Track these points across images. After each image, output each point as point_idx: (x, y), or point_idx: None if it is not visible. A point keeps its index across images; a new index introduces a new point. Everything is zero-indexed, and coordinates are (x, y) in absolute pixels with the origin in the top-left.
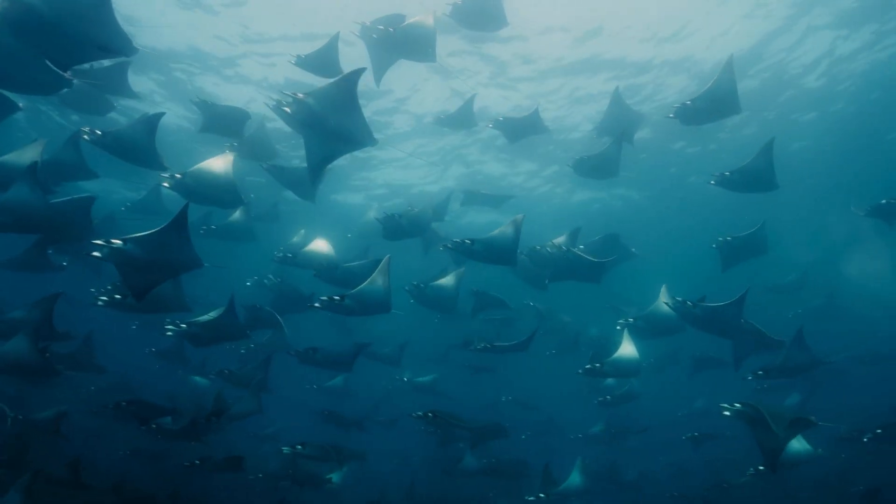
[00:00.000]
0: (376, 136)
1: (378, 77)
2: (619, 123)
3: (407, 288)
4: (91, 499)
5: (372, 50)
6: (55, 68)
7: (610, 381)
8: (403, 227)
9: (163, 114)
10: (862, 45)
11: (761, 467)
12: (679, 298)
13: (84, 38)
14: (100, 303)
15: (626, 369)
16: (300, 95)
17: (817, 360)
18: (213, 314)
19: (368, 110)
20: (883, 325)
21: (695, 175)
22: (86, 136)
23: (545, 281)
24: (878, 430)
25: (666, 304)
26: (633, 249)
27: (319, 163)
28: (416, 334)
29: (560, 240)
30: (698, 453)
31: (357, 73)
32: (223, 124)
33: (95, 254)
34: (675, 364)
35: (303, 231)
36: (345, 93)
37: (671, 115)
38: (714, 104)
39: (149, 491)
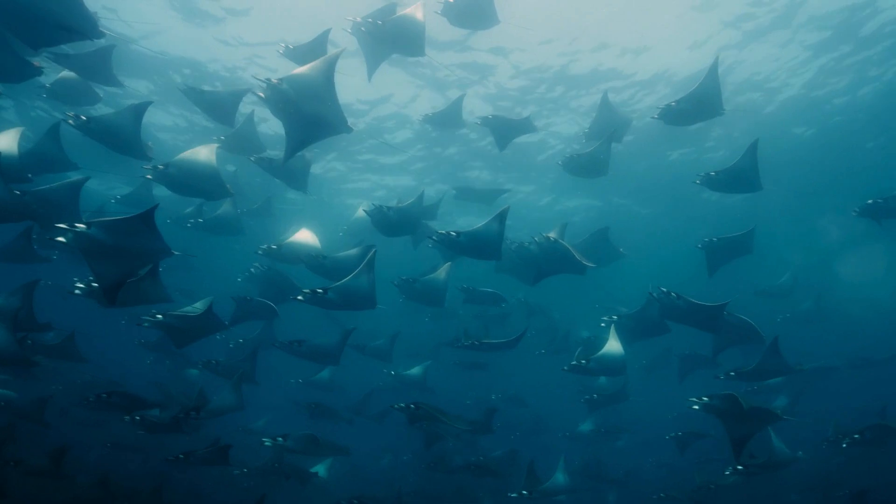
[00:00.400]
0: (376, 140)
1: (371, 71)
2: (608, 127)
3: (395, 282)
4: (75, 492)
5: (363, 44)
6: (20, 56)
7: (602, 380)
8: (391, 219)
9: (150, 102)
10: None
11: (739, 466)
12: (664, 289)
13: (46, 17)
14: (77, 291)
15: (611, 366)
16: (274, 80)
17: (789, 368)
18: (190, 308)
19: (369, 116)
20: (875, 329)
21: (687, 183)
22: (70, 122)
23: (532, 276)
24: (856, 436)
25: (651, 294)
26: (622, 250)
27: (295, 146)
28: (406, 333)
29: (551, 235)
30: (685, 454)
31: (334, 58)
32: (214, 108)
33: (59, 238)
34: (667, 365)
35: (292, 229)
36: (319, 78)
37: (655, 116)
38: (698, 105)
39: (133, 485)
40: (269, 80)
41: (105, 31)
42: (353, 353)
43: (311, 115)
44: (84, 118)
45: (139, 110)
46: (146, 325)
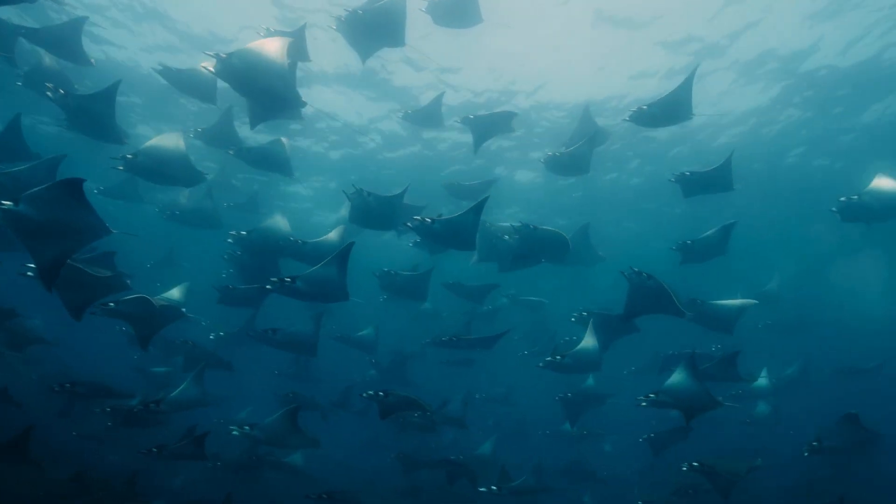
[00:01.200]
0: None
1: (364, 59)
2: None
3: (377, 273)
4: (49, 487)
5: (348, 38)
6: None
7: (590, 381)
8: (371, 206)
9: (119, 81)
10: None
11: (695, 463)
12: (635, 269)
13: None
14: (29, 273)
15: (587, 362)
16: (223, 54)
17: (739, 378)
18: (164, 296)
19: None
20: (864, 337)
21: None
22: (49, 93)
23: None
24: (815, 444)
25: (622, 273)
26: (601, 253)
27: (256, 117)
28: (391, 335)
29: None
30: (664, 456)
31: (284, 41)
32: (193, 87)
33: None
34: (657, 370)
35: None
36: (269, 55)
37: (626, 118)
38: (668, 110)
39: (107, 477)
40: (218, 54)
41: None
42: (329, 346)
43: (261, 89)
44: (62, 91)
45: (111, 91)
46: (99, 313)
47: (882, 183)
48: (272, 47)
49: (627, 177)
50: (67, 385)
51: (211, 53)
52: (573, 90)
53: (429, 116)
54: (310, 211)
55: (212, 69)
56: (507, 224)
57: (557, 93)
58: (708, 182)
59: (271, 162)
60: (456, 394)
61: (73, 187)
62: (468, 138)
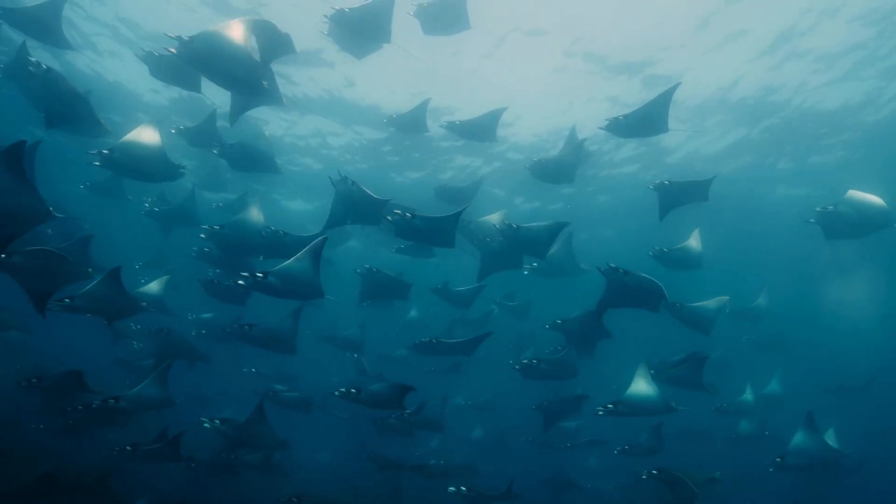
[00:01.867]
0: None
1: (359, 58)
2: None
3: (359, 270)
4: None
5: (338, 39)
6: None
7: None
8: (354, 197)
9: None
10: None
11: (654, 471)
12: (612, 265)
13: None
14: None
15: (563, 369)
16: (186, 37)
17: (702, 387)
18: (145, 287)
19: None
20: (856, 356)
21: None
22: (31, 68)
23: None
24: (778, 459)
25: (598, 269)
26: (583, 265)
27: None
28: (375, 343)
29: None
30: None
31: (249, 21)
32: (177, 75)
33: None
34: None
35: None
36: (231, 36)
37: (602, 127)
38: (644, 122)
39: (80, 471)
40: (180, 37)
41: None
42: (313, 347)
43: (228, 73)
44: (45, 67)
45: (85, 93)
46: (56, 310)
47: (857, 193)
48: (237, 30)
49: (613, 194)
50: (34, 380)
51: (173, 36)
52: (552, 120)
53: (413, 122)
54: (308, 218)
55: (174, 51)
56: (491, 221)
57: (536, 121)
58: (686, 192)
59: (255, 158)
60: (438, 400)
61: (12, 159)
62: (470, 159)
